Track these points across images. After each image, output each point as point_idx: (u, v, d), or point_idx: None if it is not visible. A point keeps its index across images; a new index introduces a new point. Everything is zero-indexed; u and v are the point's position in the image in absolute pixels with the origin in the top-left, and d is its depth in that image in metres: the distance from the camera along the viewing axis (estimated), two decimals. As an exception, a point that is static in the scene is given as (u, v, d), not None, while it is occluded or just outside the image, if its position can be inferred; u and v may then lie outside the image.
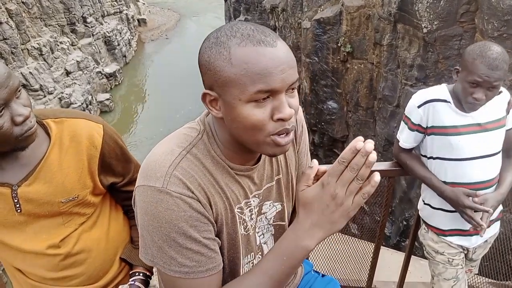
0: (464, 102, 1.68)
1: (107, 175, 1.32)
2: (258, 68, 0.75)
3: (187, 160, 0.86)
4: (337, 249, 2.85)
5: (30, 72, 16.67)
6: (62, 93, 18.11)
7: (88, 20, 21.74)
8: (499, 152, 1.76)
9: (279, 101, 0.79)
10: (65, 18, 20.06)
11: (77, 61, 19.87)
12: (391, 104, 7.78)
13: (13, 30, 16.11)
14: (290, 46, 10.60)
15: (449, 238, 1.89)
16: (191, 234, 0.83)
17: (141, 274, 1.39)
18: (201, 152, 0.89)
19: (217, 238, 0.90)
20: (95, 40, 22.14)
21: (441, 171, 1.79)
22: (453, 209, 1.80)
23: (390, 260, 3.32)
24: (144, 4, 32.93)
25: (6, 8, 16.02)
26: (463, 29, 6.22)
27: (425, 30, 6.43)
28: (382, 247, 2.58)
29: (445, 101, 1.74)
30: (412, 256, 2.58)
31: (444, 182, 1.79)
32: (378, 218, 2.43)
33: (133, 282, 1.37)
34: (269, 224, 1.06)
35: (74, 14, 20.44)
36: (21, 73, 16.11)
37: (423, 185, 1.95)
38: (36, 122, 1.17)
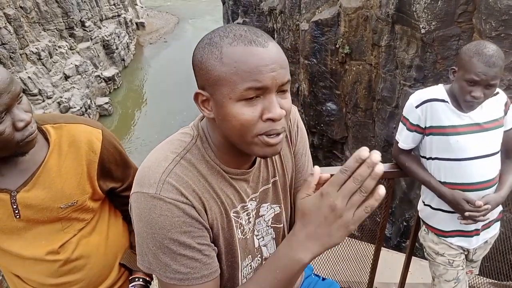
0: (462, 101, 1.68)
1: (106, 180, 1.32)
2: (248, 66, 0.76)
3: (181, 166, 0.86)
4: (337, 251, 2.85)
5: (29, 77, 16.65)
6: (61, 97, 18.10)
7: (87, 24, 21.74)
8: (497, 153, 1.76)
9: (269, 100, 0.79)
10: (64, 22, 20.05)
11: (75, 65, 19.86)
12: (390, 105, 7.79)
13: (11, 35, 16.11)
14: (288, 48, 10.62)
15: (449, 239, 1.89)
16: (184, 241, 0.82)
17: (140, 280, 1.39)
18: (195, 157, 0.89)
19: (212, 245, 0.89)
20: (93, 44, 22.14)
21: (440, 171, 1.79)
22: (453, 210, 1.80)
23: (391, 261, 3.32)
24: (142, 7, 32.98)
25: (4, 13, 16.03)
26: (461, 29, 6.24)
27: (423, 31, 6.44)
28: (382, 248, 2.58)
29: (443, 100, 1.74)
30: (413, 257, 2.58)
31: (443, 183, 1.79)
32: (378, 219, 2.43)
33: None
34: (268, 227, 1.05)
35: (73, 18, 20.44)
36: (20, 77, 16.09)
37: (422, 186, 1.94)
38: None
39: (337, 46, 8.82)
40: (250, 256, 1.03)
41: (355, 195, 0.72)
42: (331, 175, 0.78)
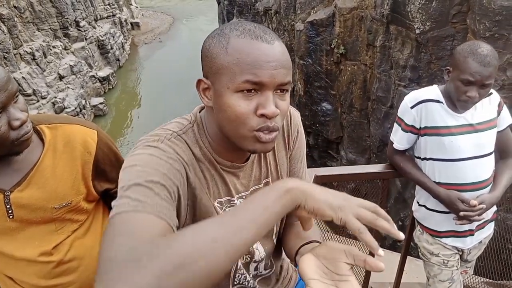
0: (456, 101, 1.68)
1: (101, 181, 1.32)
2: (249, 59, 0.78)
3: (178, 140, 0.88)
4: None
5: (23, 77, 16.54)
6: (56, 97, 17.99)
7: (81, 24, 21.62)
8: (491, 153, 1.77)
9: (265, 97, 0.80)
10: (58, 22, 19.93)
11: (70, 65, 19.75)
12: (384, 105, 7.82)
13: (5, 34, 16.00)
14: (283, 48, 10.60)
15: (444, 240, 1.90)
16: (159, 180, 0.77)
17: None
18: (190, 139, 0.90)
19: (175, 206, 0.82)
20: (88, 44, 22.02)
21: (435, 172, 1.80)
22: (448, 210, 1.80)
23: (386, 260, 3.30)
24: (137, 7, 32.85)
25: (-3, 12, 15.94)
26: (455, 30, 6.27)
27: (417, 31, 6.47)
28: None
29: (437, 101, 1.75)
30: (408, 256, 2.58)
31: (438, 183, 1.79)
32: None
33: None
34: None
35: (67, 18, 20.32)
36: (14, 78, 15.94)
37: (417, 187, 1.95)
38: None
39: (332, 46, 8.84)
40: None
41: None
42: None
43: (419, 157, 1.87)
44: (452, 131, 1.72)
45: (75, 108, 18.52)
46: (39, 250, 1.24)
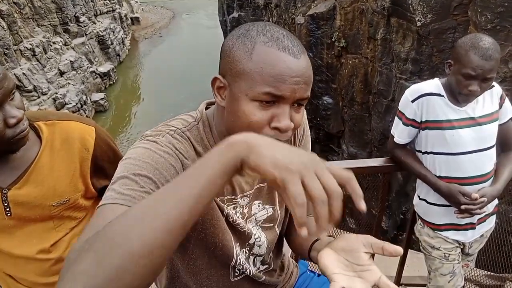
0: (458, 95, 1.67)
1: (100, 178, 1.31)
2: (274, 72, 0.76)
3: (181, 137, 0.86)
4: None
5: (24, 73, 16.53)
6: (56, 93, 17.98)
7: (81, 20, 21.56)
8: (493, 146, 1.76)
9: (282, 110, 0.79)
10: (58, 18, 19.88)
11: (70, 61, 19.72)
12: (386, 99, 7.78)
13: (5, 31, 15.97)
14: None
15: (444, 233, 1.89)
16: (147, 174, 0.75)
17: None
18: (194, 137, 0.89)
19: None
20: (88, 40, 21.98)
21: (436, 165, 1.79)
22: (449, 204, 1.80)
23: (387, 254, 3.32)
24: (137, 2, 32.73)
25: (-3, 8, 15.90)
26: (456, 22, 6.22)
27: (418, 24, 6.43)
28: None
29: (438, 95, 1.73)
30: (410, 250, 2.58)
31: (439, 177, 1.79)
32: (375, 213, 2.43)
33: None
34: (258, 226, 1.04)
35: (67, 13, 20.26)
36: (15, 74, 15.97)
37: (418, 180, 1.94)
38: None
39: (333, 39, 8.79)
40: (237, 243, 1.01)
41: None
42: None
43: (420, 151, 1.86)
44: (454, 125, 1.71)
45: (76, 104, 18.52)
46: (38, 248, 1.24)
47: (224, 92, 0.84)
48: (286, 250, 1.24)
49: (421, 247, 2.04)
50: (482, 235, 1.94)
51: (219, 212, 0.94)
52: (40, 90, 17.17)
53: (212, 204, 0.92)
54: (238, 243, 1.01)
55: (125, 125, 19.88)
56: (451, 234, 1.88)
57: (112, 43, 24.05)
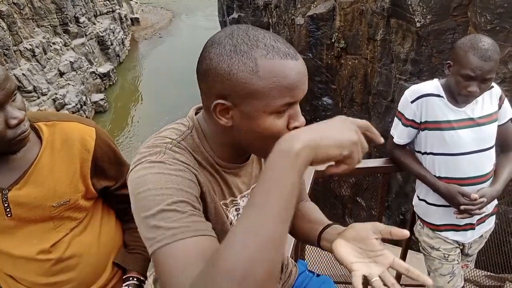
0: (457, 96, 1.67)
1: (100, 179, 1.31)
2: (287, 82, 0.76)
3: (179, 149, 0.85)
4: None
5: (23, 74, 16.52)
6: (56, 94, 17.96)
7: (81, 20, 21.56)
8: (492, 147, 1.77)
9: (295, 110, 0.82)
10: (58, 18, 19.86)
11: (70, 61, 19.70)
12: (385, 99, 7.79)
13: (5, 31, 15.96)
14: (284, 42, 10.58)
15: (444, 234, 1.89)
16: (179, 199, 0.75)
17: (134, 279, 1.38)
18: (190, 146, 0.88)
19: (202, 214, 0.81)
20: (88, 40, 21.97)
21: (435, 166, 1.79)
22: (448, 204, 1.80)
23: (387, 255, 3.32)
24: (137, 3, 32.73)
25: (-3, 9, 15.89)
26: (456, 23, 6.23)
27: (418, 25, 6.43)
28: (378, 242, 2.57)
29: (438, 95, 1.74)
30: (409, 250, 2.58)
31: (438, 177, 1.79)
32: (374, 213, 2.43)
33: (126, 287, 1.36)
34: None
35: (67, 14, 20.25)
36: (14, 74, 15.96)
37: (417, 181, 1.95)
38: None
39: (333, 40, 8.79)
40: None
41: None
42: None
43: (419, 152, 1.86)
44: (453, 125, 1.71)
45: (76, 104, 18.51)
46: (38, 248, 1.24)
47: (228, 113, 0.81)
48: (285, 250, 1.24)
49: (420, 248, 2.04)
50: (481, 236, 1.94)
51: (225, 218, 0.94)
52: (40, 91, 17.17)
53: (220, 211, 0.92)
54: None
55: (125, 126, 19.87)
56: (451, 235, 1.89)
57: (112, 44, 24.05)
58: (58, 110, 16.33)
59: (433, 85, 1.77)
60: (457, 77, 1.62)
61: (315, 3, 9.27)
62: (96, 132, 1.27)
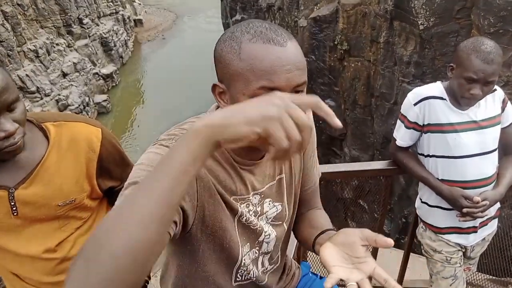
0: (460, 99, 1.68)
1: (105, 179, 1.32)
2: (263, 65, 0.77)
3: None
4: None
5: (27, 75, 16.59)
6: (59, 95, 18.04)
7: (84, 21, 21.65)
8: (495, 150, 1.77)
9: None
10: (61, 19, 19.96)
11: (73, 62, 19.79)
12: (388, 102, 7.78)
13: (9, 32, 16.04)
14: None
15: (446, 236, 1.89)
16: None
17: None
18: None
19: (180, 213, 0.82)
20: (91, 41, 22.05)
21: (438, 169, 1.80)
22: (450, 207, 1.80)
23: (389, 257, 3.32)
24: (140, 4, 32.84)
25: (1, 10, 15.95)
26: (459, 26, 6.23)
27: (421, 27, 6.43)
28: (380, 245, 2.56)
29: (441, 98, 1.74)
30: (412, 253, 2.58)
31: (441, 180, 1.79)
32: (377, 216, 2.43)
33: None
34: (268, 224, 1.06)
35: (70, 15, 20.34)
36: (18, 75, 16.05)
37: (420, 184, 1.95)
38: (35, 125, 1.19)
39: (336, 42, 8.80)
40: (248, 244, 1.03)
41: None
42: None
43: (422, 154, 1.86)
44: (456, 128, 1.71)
45: (79, 105, 18.58)
46: (43, 247, 1.25)
47: (225, 96, 0.85)
48: (289, 251, 1.24)
49: (423, 250, 2.04)
50: (484, 239, 1.94)
51: (229, 214, 0.95)
52: (43, 92, 17.24)
53: (222, 206, 0.93)
54: (248, 243, 1.03)
55: (128, 127, 19.92)
56: (453, 237, 1.88)
57: (115, 45, 24.13)
58: (61, 111, 16.37)
59: (436, 88, 1.77)
60: (460, 79, 1.62)
61: (318, 5, 9.28)
62: (102, 133, 1.29)
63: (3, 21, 15.92)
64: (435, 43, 6.48)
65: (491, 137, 1.74)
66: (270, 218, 1.05)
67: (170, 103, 20.05)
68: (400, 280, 2.61)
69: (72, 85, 19.29)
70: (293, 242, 1.61)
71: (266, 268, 1.12)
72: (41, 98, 17.13)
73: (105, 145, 1.28)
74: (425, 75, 6.79)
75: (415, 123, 1.78)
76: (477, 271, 2.54)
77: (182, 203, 0.82)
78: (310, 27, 9.17)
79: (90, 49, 21.79)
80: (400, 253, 2.67)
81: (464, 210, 1.71)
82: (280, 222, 1.09)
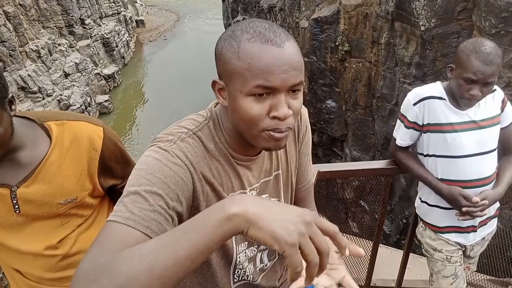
0: (459, 99, 1.68)
1: (107, 178, 1.33)
2: (260, 65, 0.78)
3: (192, 140, 0.90)
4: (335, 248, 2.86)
5: (29, 75, 16.62)
6: (61, 95, 18.06)
7: (86, 22, 21.69)
8: (494, 150, 1.77)
9: (278, 100, 0.82)
10: (63, 20, 19.99)
11: (75, 63, 19.81)
12: (389, 103, 7.79)
13: (11, 32, 16.07)
14: (288, 45, 10.59)
15: (446, 235, 1.90)
16: (157, 190, 0.79)
17: None
18: (205, 136, 0.93)
19: (175, 219, 0.83)
20: (93, 42, 22.09)
21: (437, 168, 1.80)
22: (450, 206, 1.81)
23: (389, 258, 3.32)
24: (142, 5, 32.90)
25: (3, 10, 15.98)
26: (460, 27, 6.23)
27: (422, 28, 6.44)
28: (380, 245, 2.58)
29: (440, 98, 1.75)
30: (412, 254, 2.59)
31: (441, 180, 1.80)
32: (377, 216, 2.44)
33: None
34: None
35: (72, 16, 20.38)
36: (20, 75, 16.08)
37: (420, 183, 1.95)
38: (37, 124, 1.20)
39: (337, 43, 8.81)
40: (246, 242, 1.04)
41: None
42: None
43: (421, 154, 1.87)
44: (455, 128, 1.72)
45: (81, 105, 18.60)
46: (45, 244, 1.26)
47: (224, 93, 0.88)
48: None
49: (423, 250, 2.05)
50: (483, 238, 1.94)
51: None
52: (45, 92, 17.26)
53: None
54: (245, 241, 1.04)
55: (129, 127, 19.93)
56: (453, 236, 1.89)
57: (117, 46, 24.17)
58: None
59: (436, 88, 1.78)
60: (459, 80, 1.63)
61: (320, 6, 9.29)
62: (104, 132, 1.30)
63: (5, 21, 15.95)
64: (436, 44, 6.49)
65: (491, 137, 1.75)
66: None
67: (171, 104, 20.06)
68: (400, 280, 2.62)
69: (74, 85, 19.31)
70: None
71: (266, 265, 1.13)
72: (43, 98, 17.15)
73: (107, 144, 1.29)
74: (426, 76, 6.80)
75: (415, 123, 1.79)
76: (477, 271, 2.54)
77: (178, 208, 0.83)
78: (311, 28, 9.19)
79: (92, 49, 21.83)
80: (400, 253, 2.68)
81: (464, 209, 1.72)
82: None
